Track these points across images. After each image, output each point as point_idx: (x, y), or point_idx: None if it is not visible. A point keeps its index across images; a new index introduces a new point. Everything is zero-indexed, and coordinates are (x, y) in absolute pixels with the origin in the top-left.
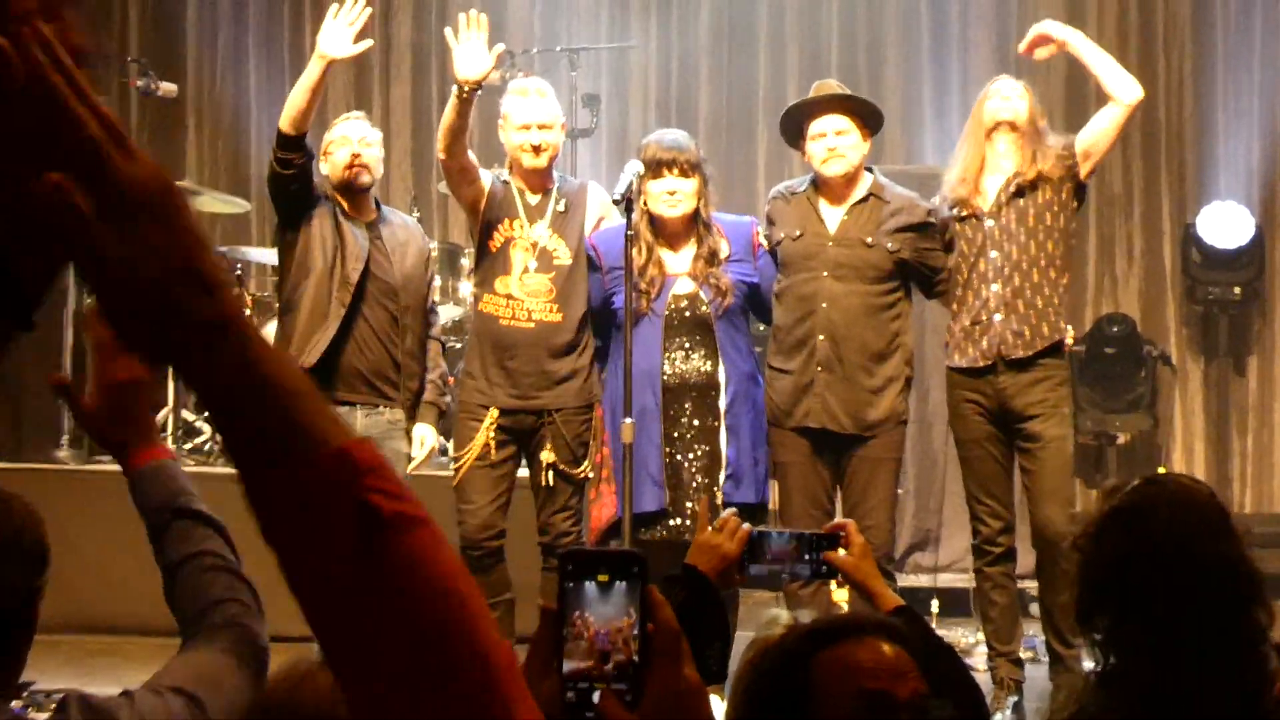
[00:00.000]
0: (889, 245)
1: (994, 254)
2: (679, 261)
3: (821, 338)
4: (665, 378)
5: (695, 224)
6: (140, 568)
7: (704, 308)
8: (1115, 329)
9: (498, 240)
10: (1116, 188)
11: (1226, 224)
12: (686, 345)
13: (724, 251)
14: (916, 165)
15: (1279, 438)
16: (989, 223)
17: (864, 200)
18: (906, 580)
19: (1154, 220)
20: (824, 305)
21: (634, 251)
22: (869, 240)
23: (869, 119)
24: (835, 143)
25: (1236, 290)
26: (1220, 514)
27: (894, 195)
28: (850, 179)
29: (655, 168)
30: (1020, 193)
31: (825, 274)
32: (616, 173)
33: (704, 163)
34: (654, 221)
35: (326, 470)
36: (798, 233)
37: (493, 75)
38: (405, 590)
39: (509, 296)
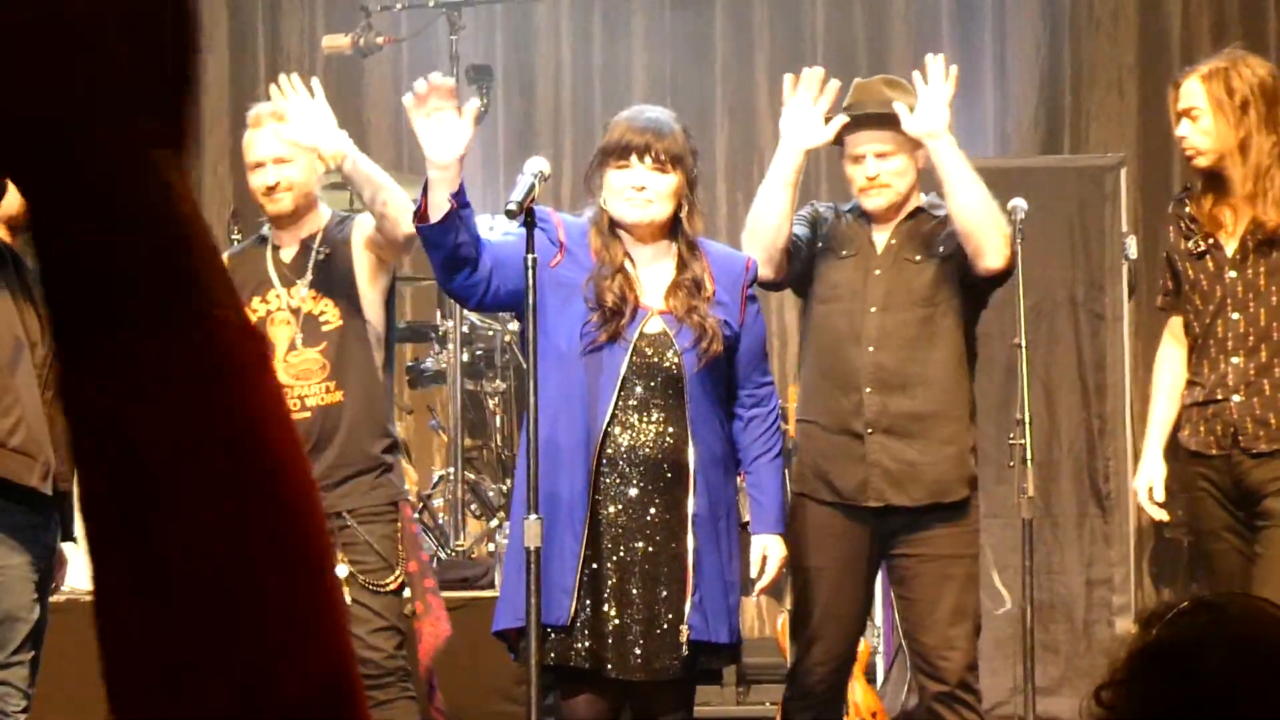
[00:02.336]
0: (941, 250)
1: (1236, 316)
2: (649, 292)
3: (869, 389)
4: (610, 446)
5: (673, 242)
6: None
7: (673, 360)
8: None
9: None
10: None
11: None
12: (649, 404)
13: (708, 286)
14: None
15: None
16: (1231, 274)
17: (912, 217)
18: None
19: None
20: (870, 349)
21: (598, 245)
22: (917, 257)
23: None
24: (877, 169)
25: None
26: None
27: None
28: (898, 206)
29: (621, 153)
30: (1272, 243)
31: (873, 309)
32: (516, 171)
33: (693, 156)
34: (613, 228)
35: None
36: (845, 252)
37: (341, 41)
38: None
39: None
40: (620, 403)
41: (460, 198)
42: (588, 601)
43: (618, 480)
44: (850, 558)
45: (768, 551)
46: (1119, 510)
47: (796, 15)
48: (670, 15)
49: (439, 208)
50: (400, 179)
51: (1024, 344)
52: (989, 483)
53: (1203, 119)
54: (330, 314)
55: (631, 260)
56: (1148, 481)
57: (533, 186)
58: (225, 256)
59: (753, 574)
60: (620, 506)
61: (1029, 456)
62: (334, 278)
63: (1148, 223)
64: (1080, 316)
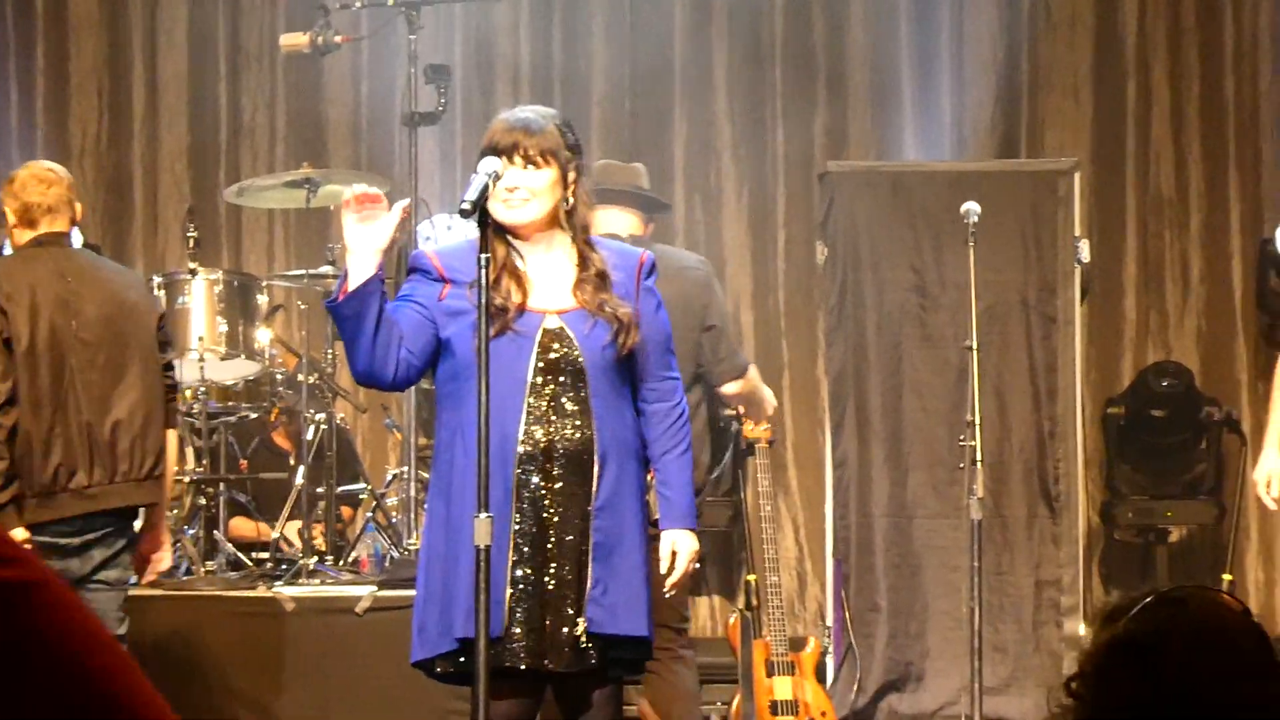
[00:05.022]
0: None
1: None
2: (546, 289)
3: None
4: (523, 447)
5: (566, 234)
6: None
7: (576, 356)
8: (1165, 384)
9: None
10: (1166, 189)
11: None
12: (557, 402)
13: (611, 276)
14: (892, 162)
15: None
16: None
17: None
18: None
19: (1219, 235)
20: None
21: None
22: None
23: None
24: None
25: None
26: (1258, 643)
27: None
28: None
29: (493, 155)
30: None
31: None
32: (472, 170)
33: (572, 149)
34: (500, 229)
35: None
36: None
37: (299, 39)
38: (37, 669)
39: None
40: (530, 403)
41: (378, 275)
42: (512, 605)
43: (532, 482)
44: None
45: (677, 547)
46: (1068, 512)
47: (756, 19)
48: (630, 17)
49: (357, 281)
50: (358, 178)
51: (975, 346)
52: (941, 484)
53: None
54: None
55: (521, 257)
56: (1267, 475)
57: (486, 186)
58: None
59: (663, 570)
60: (537, 508)
61: (979, 458)
62: None
63: (1101, 227)
64: (1032, 319)
